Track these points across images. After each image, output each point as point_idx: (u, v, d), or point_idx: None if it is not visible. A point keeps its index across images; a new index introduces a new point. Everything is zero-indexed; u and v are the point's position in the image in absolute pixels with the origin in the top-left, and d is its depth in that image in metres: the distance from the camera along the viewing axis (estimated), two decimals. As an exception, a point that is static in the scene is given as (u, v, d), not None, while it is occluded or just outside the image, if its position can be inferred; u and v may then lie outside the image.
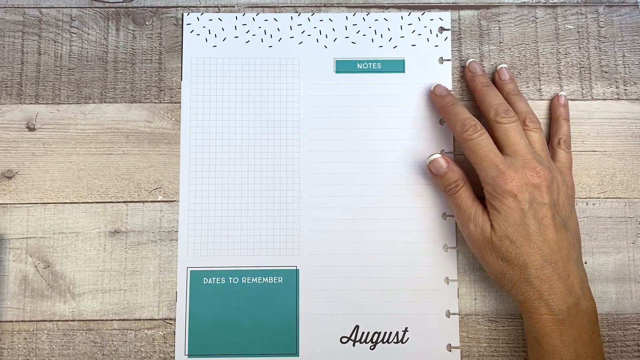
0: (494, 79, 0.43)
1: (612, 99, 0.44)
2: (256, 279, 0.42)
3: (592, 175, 0.43)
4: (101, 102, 0.44)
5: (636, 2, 0.45)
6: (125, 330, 0.42)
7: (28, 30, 0.44)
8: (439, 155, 0.39)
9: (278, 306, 0.42)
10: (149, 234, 0.43)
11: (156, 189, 0.43)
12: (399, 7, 0.45)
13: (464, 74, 0.44)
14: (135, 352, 0.41)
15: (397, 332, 0.42)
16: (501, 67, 0.43)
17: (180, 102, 0.44)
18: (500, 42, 0.45)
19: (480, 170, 0.37)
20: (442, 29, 0.45)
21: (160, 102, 0.44)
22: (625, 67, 0.44)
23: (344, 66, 0.44)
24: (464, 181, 0.39)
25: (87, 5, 0.45)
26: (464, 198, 0.38)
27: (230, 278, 0.42)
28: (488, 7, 0.45)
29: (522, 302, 0.36)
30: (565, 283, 0.35)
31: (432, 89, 0.42)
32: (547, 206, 0.36)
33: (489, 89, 0.41)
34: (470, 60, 0.43)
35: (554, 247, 0.36)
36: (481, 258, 0.38)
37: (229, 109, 0.44)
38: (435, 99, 0.42)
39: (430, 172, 0.40)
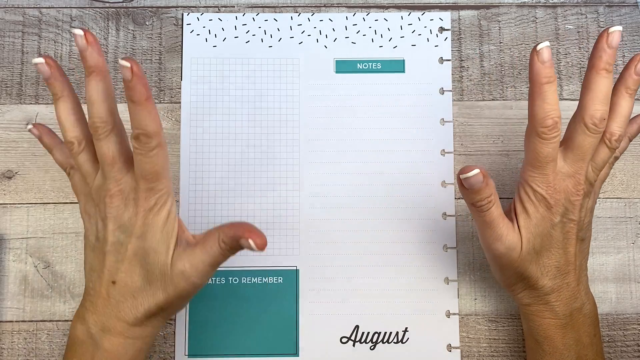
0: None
1: (612, 99, 0.44)
2: (256, 279, 0.42)
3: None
4: (101, 102, 0.44)
5: (636, 2, 0.45)
6: (125, 330, 0.42)
7: (28, 30, 0.44)
8: (478, 170, 0.32)
9: (278, 306, 0.42)
10: (149, 234, 0.43)
11: (156, 189, 0.43)
12: (399, 7, 0.45)
13: (596, 42, 0.33)
14: (135, 352, 0.41)
15: (397, 332, 0.42)
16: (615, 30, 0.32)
17: (180, 102, 0.44)
18: (500, 42, 0.45)
19: (530, 168, 0.34)
20: (442, 29, 0.45)
21: (160, 102, 0.44)
22: (625, 67, 0.44)
23: (344, 66, 0.44)
24: (495, 196, 0.33)
25: (87, 5, 0.45)
26: (496, 216, 0.34)
27: (230, 278, 0.42)
28: (488, 7, 0.45)
29: (525, 305, 0.36)
30: (573, 291, 0.35)
31: (537, 47, 0.31)
32: (574, 222, 0.34)
33: (597, 85, 0.33)
34: (614, 29, 0.32)
35: (570, 259, 0.35)
36: (498, 271, 0.36)
37: (229, 109, 0.44)
38: (534, 64, 0.32)
39: (460, 186, 0.33)
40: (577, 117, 0.33)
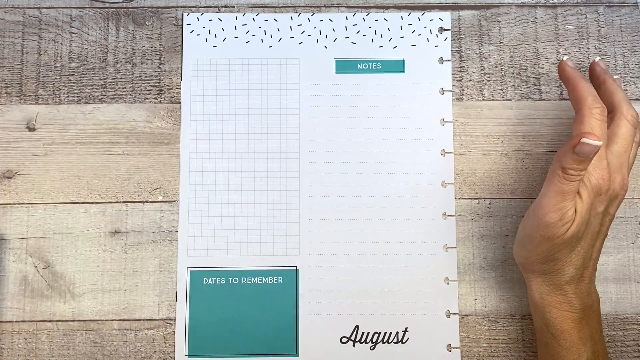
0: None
1: (612, 99, 0.44)
2: (256, 279, 0.42)
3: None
4: (101, 102, 0.44)
5: (636, 2, 0.45)
6: (125, 331, 0.42)
7: (28, 30, 0.44)
8: (601, 143, 0.33)
9: (278, 306, 0.42)
10: (149, 234, 0.43)
11: (156, 189, 0.43)
12: (399, 8, 0.45)
13: (591, 70, 0.40)
14: (135, 352, 0.41)
15: (397, 332, 0.42)
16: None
17: (180, 102, 0.44)
18: (500, 42, 0.45)
19: None
20: (442, 29, 0.45)
21: (160, 102, 0.44)
22: (625, 67, 0.44)
23: (344, 66, 0.44)
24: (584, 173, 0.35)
25: (87, 6, 0.45)
26: (573, 189, 0.34)
27: (230, 278, 0.42)
28: (488, 7, 0.45)
29: (542, 293, 0.36)
30: (587, 286, 0.36)
31: (563, 59, 0.38)
32: (610, 217, 0.36)
33: (617, 84, 0.39)
34: (598, 59, 0.40)
35: (593, 255, 0.36)
36: (530, 245, 0.36)
37: (229, 109, 0.44)
38: (566, 67, 0.38)
39: (570, 147, 0.33)
40: (616, 116, 0.37)
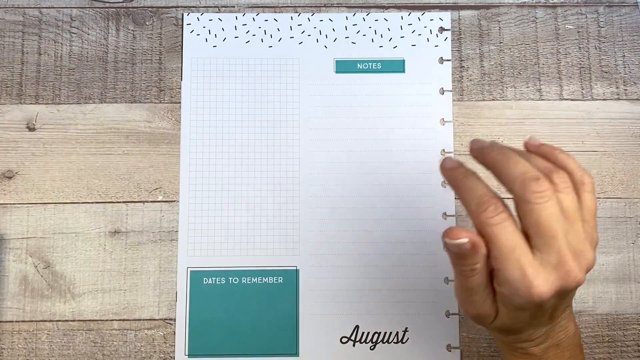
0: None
1: (612, 99, 0.44)
2: (256, 279, 0.42)
3: (592, 175, 0.43)
4: (101, 102, 0.44)
5: (636, 2, 0.45)
6: (125, 330, 0.42)
7: (28, 30, 0.44)
8: (466, 240, 0.27)
9: (278, 306, 0.42)
10: (149, 234, 0.43)
11: (156, 189, 0.43)
12: (399, 7, 0.45)
13: (470, 152, 0.31)
14: (135, 352, 0.41)
15: (397, 332, 0.42)
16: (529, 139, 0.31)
17: (180, 102, 0.44)
18: (500, 42, 0.45)
19: (499, 267, 0.27)
20: (442, 29, 0.45)
21: (160, 102, 0.44)
22: (625, 67, 0.44)
23: (344, 66, 0.44)
24: (482, 264, 0.28)
25: (87, 5, 0.45)
26: (476, 284, 0.29)
27: (230, 278, 0.42)
28: (488, 7, 0.45)
29: (500, 340, 0.33)
30: (547, 335, 0.32)
31: (440, 162, 0.31)
32: (566, 303, 0.30)
33: (506, 154, 0.29)
34: (472, 139, 0.31)
35: (553, 315, 0.31)
36: (466, 315, 0.32)
37: (229, 109, 0.44)
38: (446, 173, 0.30)
39: (443, 244, 0.28)
40: (515, 203, 0.28)
